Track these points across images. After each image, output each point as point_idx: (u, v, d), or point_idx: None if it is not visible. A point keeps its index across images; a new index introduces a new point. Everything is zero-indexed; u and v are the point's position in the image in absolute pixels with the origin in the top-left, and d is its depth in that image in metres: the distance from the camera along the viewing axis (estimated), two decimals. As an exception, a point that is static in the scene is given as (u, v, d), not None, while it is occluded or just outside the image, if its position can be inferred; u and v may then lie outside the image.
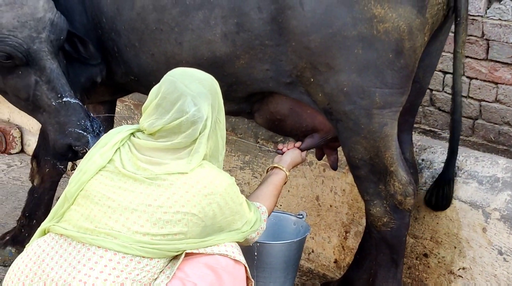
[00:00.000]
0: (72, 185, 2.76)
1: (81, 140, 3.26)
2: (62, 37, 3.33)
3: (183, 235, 2.64)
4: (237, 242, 2.84)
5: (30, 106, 3.35)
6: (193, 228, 2.65)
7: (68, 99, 3.27)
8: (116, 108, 4.61)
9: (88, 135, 3.26)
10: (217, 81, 2.84)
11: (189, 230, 2.65)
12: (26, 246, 2.80)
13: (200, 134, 2.71)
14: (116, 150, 2.77)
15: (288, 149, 3.38)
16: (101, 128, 3.34)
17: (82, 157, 3.42)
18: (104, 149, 2.78)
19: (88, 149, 3.22)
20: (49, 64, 3.26)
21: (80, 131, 3.25)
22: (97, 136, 3.28)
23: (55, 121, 3.29)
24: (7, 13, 3.16)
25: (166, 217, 2.62)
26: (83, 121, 3.27)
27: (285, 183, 3.27)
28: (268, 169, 3.32)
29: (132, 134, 2.81)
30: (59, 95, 3.27)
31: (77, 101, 3.30)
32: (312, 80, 3.11)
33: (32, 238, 2.82)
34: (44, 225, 2.79)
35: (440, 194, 3.55)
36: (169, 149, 2.72)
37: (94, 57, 3.54)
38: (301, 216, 3.66)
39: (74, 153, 3.31)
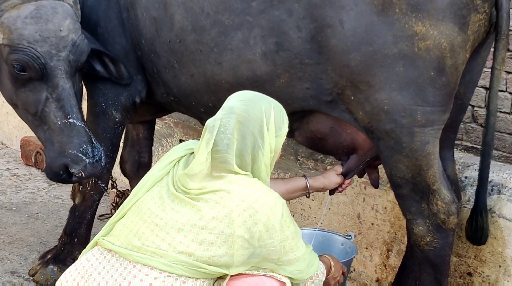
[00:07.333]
0: (130, 197, 2.80)
1: (78, 163, 3.26)
2: (81, 59, 3.36)
3: (229, 258, 2.60)
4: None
5: (37, 121, 3.38)
6: (239, 251, 2.60)
7: (74, 121, 3.30)
8: (156, 126, 4.63)
9: (87, 160, 3.27)
10: None
11: (235, 253, 2.59)
12: (79, 256, 2.82)
13: (238, 165, 2.68)
14: (174, 166, 2.80)
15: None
16: (102, 156, 3.34)
17: (76, 181, 3.45)
18: (162, 164, 2.82)
19: (85, 174, 3.26)
20: (63, 83, 3.29)
21: (79, 155, 3.26)
22: (97, 162, 3.29)
23: (56, 140, 3.31)
24: (31, 25, 3.21)
25: (211, 238, 2.58)
26: (84, 146, 3.28)
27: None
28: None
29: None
30: (66, 115, 3.29)
31: (82, 125, 3.32)
32: (352, 98, 3.09)
33: (84, 250, 2.84)
34: (96, 237, 2.82)
35: (473, 226, 3.38)
36: (213, 175, 2.70)
37: (124, 77, 3.57)
38: (349, 237, 3.61)
39: (68, 175, 3.31)
